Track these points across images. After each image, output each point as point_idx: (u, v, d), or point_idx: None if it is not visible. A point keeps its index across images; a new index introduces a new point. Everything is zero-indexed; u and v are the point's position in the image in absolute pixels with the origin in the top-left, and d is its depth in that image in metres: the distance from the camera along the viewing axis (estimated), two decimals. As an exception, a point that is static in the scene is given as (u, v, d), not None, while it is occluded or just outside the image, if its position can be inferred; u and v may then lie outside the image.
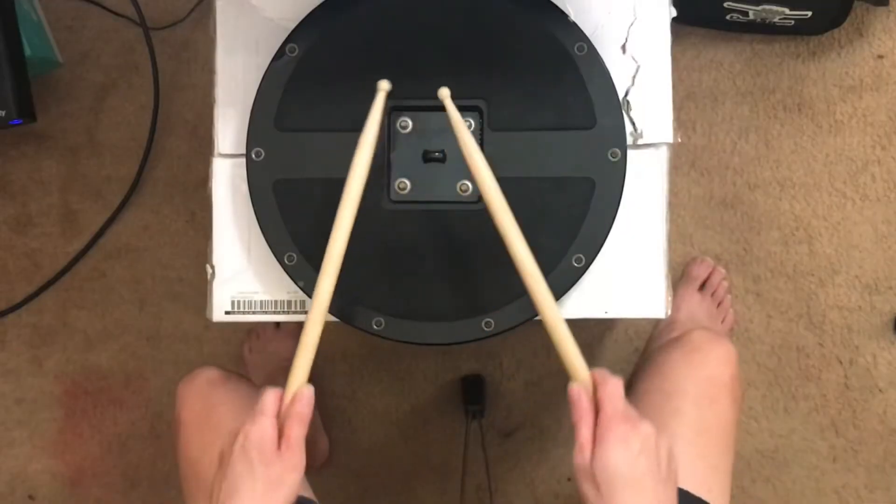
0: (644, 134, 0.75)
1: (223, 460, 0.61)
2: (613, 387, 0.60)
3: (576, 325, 0.64)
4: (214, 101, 0.77)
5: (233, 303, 0.77)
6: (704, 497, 0.72)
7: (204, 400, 0.81)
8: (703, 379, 0.80)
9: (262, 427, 0.60)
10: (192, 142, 1.24)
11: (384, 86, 0.68)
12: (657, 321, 1.18)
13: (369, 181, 0.65)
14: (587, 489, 0.58)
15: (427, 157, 0.73)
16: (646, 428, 0.59)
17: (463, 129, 0.66)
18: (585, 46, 0.72)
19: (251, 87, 0.74)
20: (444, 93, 0.67)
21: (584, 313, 0.76)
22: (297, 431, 0.60)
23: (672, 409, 0.77)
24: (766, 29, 1.15)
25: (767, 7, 1.09)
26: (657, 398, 0.79)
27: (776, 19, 1.11)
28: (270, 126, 0.74)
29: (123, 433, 1.25)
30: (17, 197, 1.25)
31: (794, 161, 1.19)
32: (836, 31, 1.16)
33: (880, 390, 1.19)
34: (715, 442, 0.77)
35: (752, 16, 1.11)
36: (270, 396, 0.61)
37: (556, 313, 0.62)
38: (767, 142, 1.19)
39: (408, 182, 0.73)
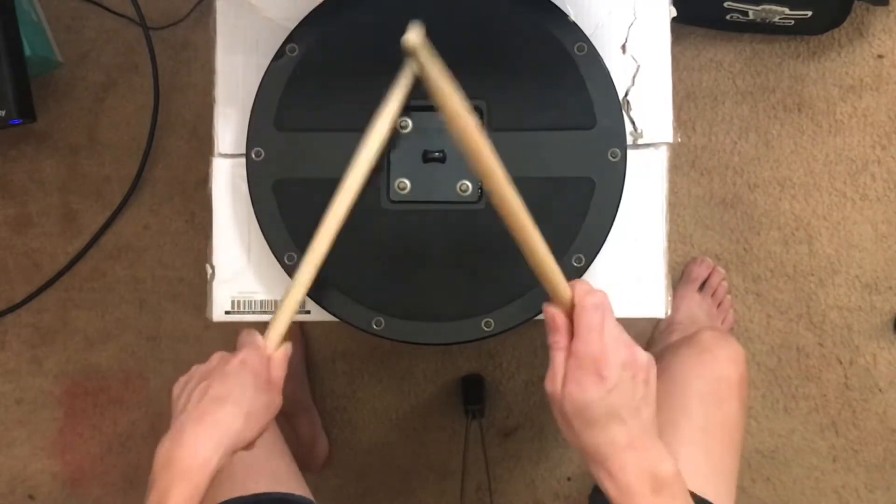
0: (644, 134, 0.75)
1: (205, 377, 0.60)
2: (593, 310, 0.55)
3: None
4: (214, 101, 0.77)
5: (233, 303, 0.77)
6: (710, 498, 0.72)
7: None
8: (712, 379, 0.80)
9: (261, 357, 0.61)
10: (192, 142, 1.24)
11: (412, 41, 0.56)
12: (657, 322, 1.17)
13: (369, 182, 0.65)
14: (558, 419, 0.57)
15: (427, 157, 0.73)
16: (621, 356, 0.55)
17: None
18: (585, 46, 0.72)
19: (251, 87, 0.74)
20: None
21: (584, 313, 0.76)
22: (279, 374, 0.62)
23: (680, 409, 0.76)
24: (766, 29, 1.15)
25: (767, 7, 1.09)
26: (665, 398, 0.78)
27: (776, 19, 1.11)
28: (270, 126, 0.74)
29: (123, 433, 1.25)
30: (17, 197, 1.25)
31: (794, 161, 1.19)
32: (836, 31, 1.16)
33: (880, 390, 1.19)
34: (722, 442, 0.77)
35: (752, 15, 1.11)
36: (259, 337, 0.62)
37: (533, 228, 0.57)
38: (767, 142, 1.19)
39: (407, 182, 0.73)
